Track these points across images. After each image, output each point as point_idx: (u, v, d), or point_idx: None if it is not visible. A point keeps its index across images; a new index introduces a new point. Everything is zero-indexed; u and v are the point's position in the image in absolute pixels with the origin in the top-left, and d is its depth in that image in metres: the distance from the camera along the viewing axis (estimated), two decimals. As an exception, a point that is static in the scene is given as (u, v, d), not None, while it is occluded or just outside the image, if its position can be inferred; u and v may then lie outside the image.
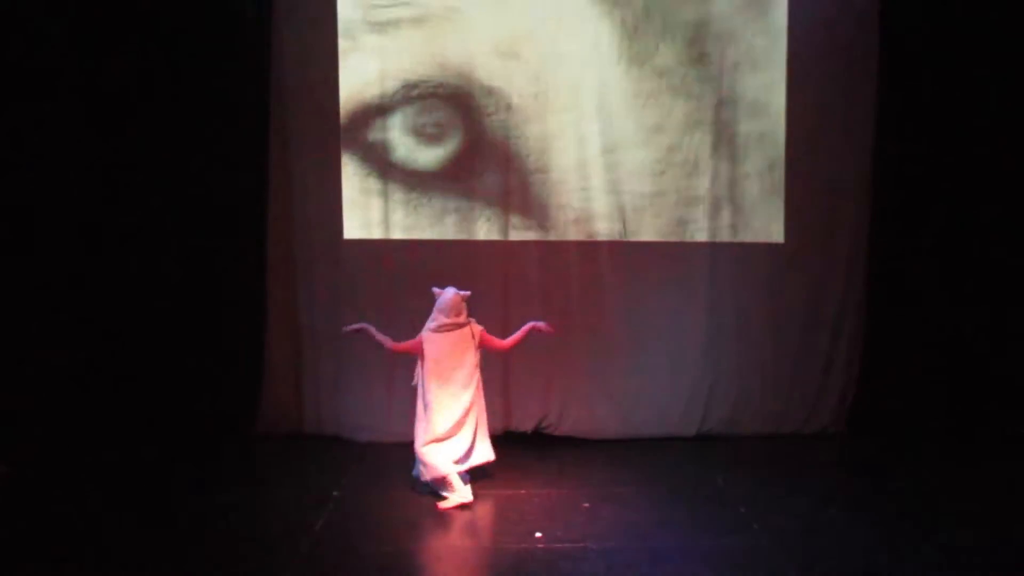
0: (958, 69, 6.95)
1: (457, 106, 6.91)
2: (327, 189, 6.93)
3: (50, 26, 6.60)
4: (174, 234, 6.90)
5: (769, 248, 7.11)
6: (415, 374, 5.63)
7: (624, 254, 7.04)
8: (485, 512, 5.43)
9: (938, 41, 6.95)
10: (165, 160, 6.84)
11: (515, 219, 7.00)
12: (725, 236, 7.08)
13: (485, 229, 6.99)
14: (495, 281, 6.90)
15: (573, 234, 7.03)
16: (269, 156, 6.89)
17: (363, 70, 6.87)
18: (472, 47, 6.86)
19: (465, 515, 5.37)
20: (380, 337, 5.62)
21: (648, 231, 7.05)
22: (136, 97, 6.79)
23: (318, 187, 6.93)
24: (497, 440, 6.68)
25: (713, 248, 7.07)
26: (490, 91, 6.89)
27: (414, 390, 5.65)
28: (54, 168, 6.64)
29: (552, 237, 7.02)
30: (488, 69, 6.88)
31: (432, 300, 5.63)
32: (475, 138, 6.93)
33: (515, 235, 7.00)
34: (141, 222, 6.88)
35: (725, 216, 7.07)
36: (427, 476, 5.49)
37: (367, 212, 6.97)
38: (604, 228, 7.03)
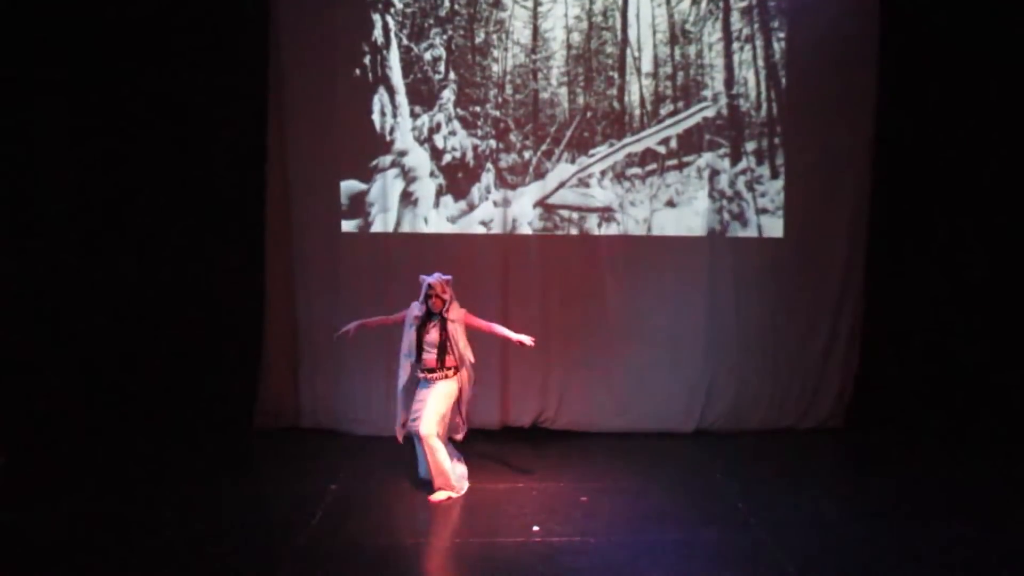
0: (960, 66, 6.94)
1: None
2: (325, 184, 6.92)
3: (49, 24, 6.59)
4: (172, 230, 6.90)
5: (769, 244, 7.10)
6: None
7: (623, 248, 7.04)
8: (483, 506, 5.42)
9: (939, 37, 6.94)
10: (163, 157, 6.84)
11: (515, 212, 6.99)
12: (725, 231, 7.07)
13: (485, 223, 6.98)
14: (494, 275, 6.90)
15: (572, 228, 7.02)
16: (267, 151, 6.86)
17: (362, 63, 6.88)
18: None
19: (462, 508, 5.37)
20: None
21: (647, 226, 7.04)
22: (134, 94, 6.79)
23: (316, 182, 6.91)
24: (495, 434, 6.74)
25: (713, 243, 7.07)
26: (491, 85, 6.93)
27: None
28: (52, 166, 6.63)
29: (551, 231, 7.01)
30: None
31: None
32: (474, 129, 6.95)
33: (514, 229, 7.00)
34: (139, 218, 6.88)
35: (725, 211, 7.06)
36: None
37: (365, 206, 6.95)
38: (603, 222, 7.02)
